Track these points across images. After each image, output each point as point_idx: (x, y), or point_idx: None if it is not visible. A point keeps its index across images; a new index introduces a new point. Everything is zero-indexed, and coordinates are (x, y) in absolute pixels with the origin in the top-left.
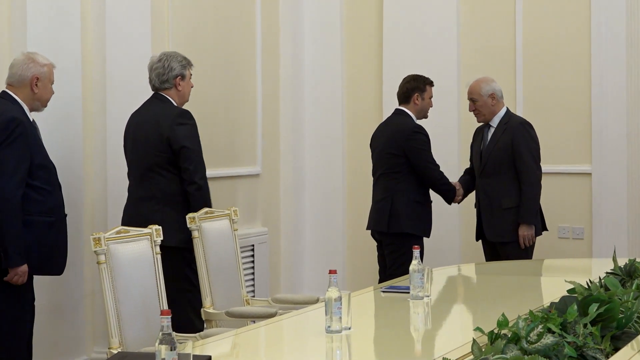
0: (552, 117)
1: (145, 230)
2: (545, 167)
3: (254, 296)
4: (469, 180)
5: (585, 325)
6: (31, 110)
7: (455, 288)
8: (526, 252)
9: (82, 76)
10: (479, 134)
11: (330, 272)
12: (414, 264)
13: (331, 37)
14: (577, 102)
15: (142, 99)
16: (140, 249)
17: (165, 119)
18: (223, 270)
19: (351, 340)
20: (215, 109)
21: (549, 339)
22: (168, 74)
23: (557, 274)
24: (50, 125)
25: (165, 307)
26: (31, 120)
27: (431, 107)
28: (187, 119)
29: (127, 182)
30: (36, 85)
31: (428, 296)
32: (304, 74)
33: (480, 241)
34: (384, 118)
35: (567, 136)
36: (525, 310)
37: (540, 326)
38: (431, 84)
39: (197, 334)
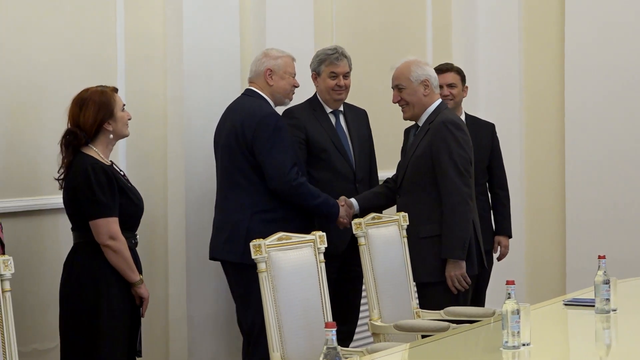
0: None
1: (308, 237)
2: None
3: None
4: (373, 195)
5: None
6: (276, 104)
7: None
8: (456, 297)
9: (241, 69)
10: (407, 135)
11: (508, 282)
12: (600, 275)
13: (508, 30)
14: None
15: (304, 94)
16: (303, 256)
17: None
18: (391, 280)
19: (531, 357)
20: (382, 106)
21: None
22: None
23: None
24: (205, 119)
25: (330, 319)
26: None
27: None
28: None
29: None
30: (270, 77)
31: (615, 310)
32: (478, 72)
33: None
34: (566, 117)
35: None
36: None
37: None
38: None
39: (364, 348)
